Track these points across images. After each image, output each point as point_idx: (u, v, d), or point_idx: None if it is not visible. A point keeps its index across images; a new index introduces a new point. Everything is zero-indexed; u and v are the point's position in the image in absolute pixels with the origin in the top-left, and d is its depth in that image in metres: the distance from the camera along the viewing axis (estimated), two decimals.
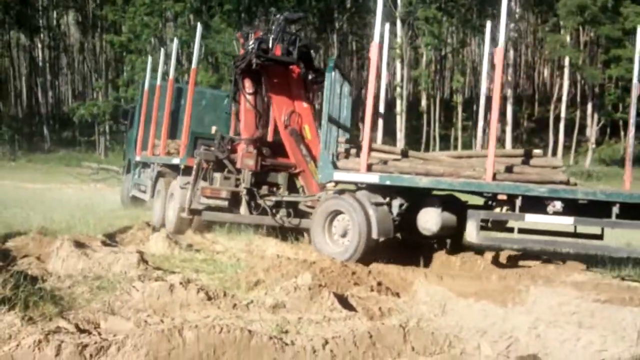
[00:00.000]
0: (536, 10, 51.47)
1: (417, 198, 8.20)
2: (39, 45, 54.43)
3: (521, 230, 8.04)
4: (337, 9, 50.68)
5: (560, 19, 41.41)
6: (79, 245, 7.22)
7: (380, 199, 8.08)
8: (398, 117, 42.50)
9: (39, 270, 6.37)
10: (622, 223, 7.22)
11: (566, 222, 7.46)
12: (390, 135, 47.03)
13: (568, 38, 42.18)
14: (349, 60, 60.72)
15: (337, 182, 8.78)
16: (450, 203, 8.17)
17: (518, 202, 7.37)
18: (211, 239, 10.06)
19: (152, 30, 43.75)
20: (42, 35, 53.84)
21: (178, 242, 8.71)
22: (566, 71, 42.66)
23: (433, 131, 46.79)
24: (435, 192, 8.47)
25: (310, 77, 10.55)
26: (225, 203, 10.01)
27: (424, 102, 47.41)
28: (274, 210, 9.99)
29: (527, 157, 8.26)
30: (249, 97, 10.42)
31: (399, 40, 43.89)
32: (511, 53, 46.24)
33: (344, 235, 8.23)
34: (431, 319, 5.20)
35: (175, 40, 12.78)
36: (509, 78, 45.53)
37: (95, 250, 7.24)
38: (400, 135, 42.61)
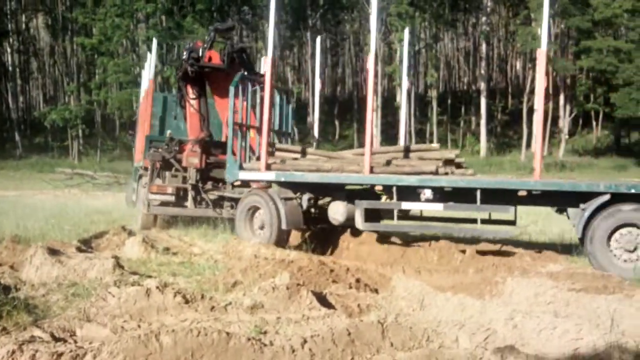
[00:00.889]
0: (508, 3, 51.94)
1: (327, 192, 9.30)
2: (8, 50, 53.54)
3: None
4: (310, 6, 50.62)
5: (531, 12, 41.82)
6: (53, 252, 7.11)
7: (290, 194, 9.18)
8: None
9: (12, 279, 6.26)
10: (485, 207, 8.03)
11: (437, 208, 8.44)
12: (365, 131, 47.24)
13: (539, 31, 42.61)
14: (324, 58, 60.73)
15: (242, 181, 9.94)
16: (359, 196, 8.97)
17: (394, 191, 8.40)
18: (188, 241, 10.00)
19: (124, 31, 43.26)
20: (11, 40, 53.01)
21: (155, 246, 8.64)
22: (538, 63, 43.12)
23: (408, 126, 46.99)
24: (353, 188, 9.40)
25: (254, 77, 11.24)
26: (172, 198, 11.06)
27: (399, 98, 47.56)
28: (216, 204, 10.99)
29: (408, 152, 9.20)
30: (193, 102, 11.45)
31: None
32: (484, 47, 46.68)
33: (261, 227, 9.28)
34: (410, 314, 5.22)
35: (154, 42, 12.79)
36: (482, 72, 45.94)
37: (70, 256, 7.14)
38: (376, 131, 42.73)
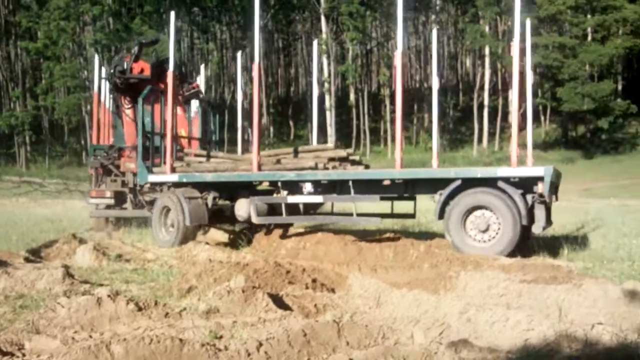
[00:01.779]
0: (456, 1, 52.81)
1: (231, 191, 10.15)
2: None
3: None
4: (261, 7, 50.39)
5: (478, 10, 42.65)
6: (0, 263, 6.88)
7: (195, 194, 9.98)
8: (328, 113, 42.75)
9: None
10: (358, 197, 8.90)
11: (318, 200, 9.38)
12: (321, 130, 47.34)
13: (487, 28, 43.54)
14: (276, 58, 60.66)
15: (151, 184, 10.88)
16: (257, 193, 9.92)
17: (280, 186, 9.47)
18: (142, 247, 9.82)
19: (70, 35, 42.25)
20: None
21: (107, 254, 8.45)
22: (487, 60, 44.04)
23: (363, 125, 47.34)
24: (260, 187, 10.32)
25: (182, 87, 12.37)
26: (112, 201, 11.86)
27: (352, 97, 47.89)
28: (152, 205, 11.23)
29: (296, 153, 9.99)
30: (128, 112, 12.14)
31: (324, 36, 44.13)
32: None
33: (172, 225, 10.01)
34: (366, 312, 5.23)
35: (97, 59, 13.09)
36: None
37: (17, 267, 6.92)
38: (331, 130, 42.90)
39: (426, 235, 9.45)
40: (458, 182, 8.08)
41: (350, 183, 8.78)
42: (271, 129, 49.96)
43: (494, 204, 7.81)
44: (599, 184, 27.69)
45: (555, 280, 5.75)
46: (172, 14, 10.62)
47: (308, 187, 9.23)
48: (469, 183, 8.07)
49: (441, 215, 8.18)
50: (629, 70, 53.97)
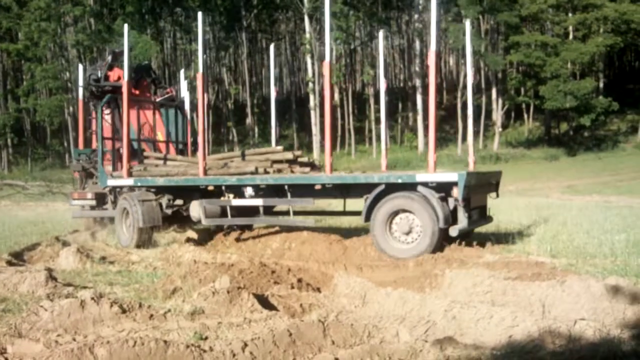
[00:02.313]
0: (438, 0, 53.01)
1: (184, 194, 10.51)
2: None
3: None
4: (244, 6, 50.22)
5: (461, 9, 42.81)
6: None
7: (150, 197, 10.42)
8: (312, 112, 42.73)
9: None
10: (293, 200, 9.36)
11: (259, 203, 9.73)
12: (306, 130, 47.31)
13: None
14: (260, 58, 60.50)
15: (110, 187, 11.37)
16: (207, 196, 10.27)
17: (224, 190, 9.90)
18: (126, 249, 9.76)
19: (51, 36, 41.81)
20: None
21: (90, 256, 8.38)
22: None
23: (347, 124, 47.37)
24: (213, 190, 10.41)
25: (156, 92, 13.24)
26: (94, 202, 12.21)
27: (336, 96, 47.88)
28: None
29: (244, 156, 10.60)
30: (107, 117, 12.47)
31: (307, 35, 44.09)
32: (417, 44, 47.50)
33: (129, 226, 10.41)
34: (352, 311, 5.23)
35: (80, 68, 13.32)
36: (417, 69, 46.75)
37: None
38: (315, 129, 42.87)
39: None
40: (382, 187, 8.43)
41: (286, 187, 9.28)
42: (255, 129, 49.80)
43: (415, 207, 8.15)
44: (582, 181, 27.92)
45: (539, 277, 5.80)
46: (126, 26, 10.92)
47: (249, 190, 9.69)
48: (392, 188, 8.43)
49: (367, 218, 8.51)
50: (610, 68, 54.55)
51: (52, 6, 40.78)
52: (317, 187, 9.07)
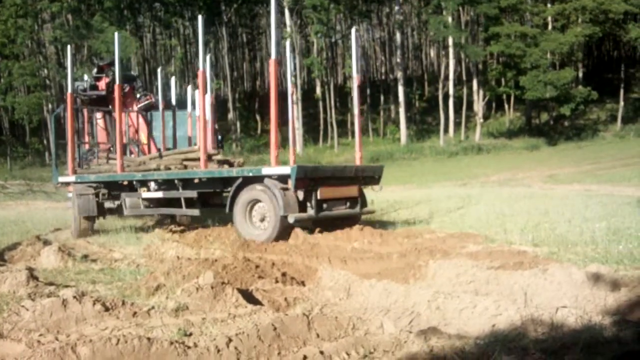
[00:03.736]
0: None
1: (117, 188, 11.76)
2: None
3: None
4: (224, 1, 49.95)
5: (441, 1, 42.92)
6: None
7: (89, 191, 11.66)
8: (294, 106, 42.67)
9: None
10: (184, 192, 10.53)
11: (160, 195, 11.06)
12: (288, 125, 47.18)
13: (450, 19, 43.86)
14: (240, 53, 60.25)
15: (60, 183, 12.92)
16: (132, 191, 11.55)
17: (135, 184, 11.30)
18: (109, 247, 9.67)
19: (28, 32, 41.24)
20: None
21: (72, 254, 8.29)
22: (451, 51, 44.40)
23: (330, 117, 47.38)
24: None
25: (138, 97, 14.26)
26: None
27: (318, 90, 47.85)
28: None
29: (161, 156, 12.10)
30: (99, 121, 13.83)
31: (288, 29, 43.96)
32: (398, 36, 47.56)
33: (74, 217, 11.75)
34: (336, 304, 5.23)
35: (69, 51, 13.26)
36: (398, 60, 46.83)
37: None
38: (298, 124, 42.82)
39: (381, 225, 9.54)
40: (240, 180, 9.55)
41: (176, 181, 10.55)
42: (237, 124, 49.62)
43: (263, 197, 9.23)
44: (563, 170, 28.17)
45: (522, 266, 5.85)
46: (117, 34, 11.83)
47: (152, 184, 11.20)
48: (248, 180, 9.51)
49: (230, 208, 9.61)
50: (589, 57, 55.10)
51: (28, 2, 40.21)
52: (196, 180, 10.37)
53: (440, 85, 46.48)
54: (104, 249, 9.56)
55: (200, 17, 10.81)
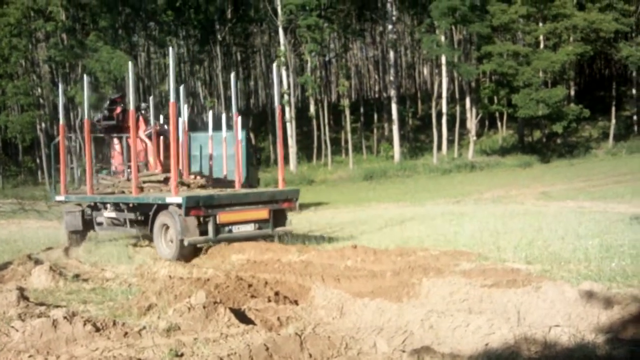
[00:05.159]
0: (412, 12, 53.48)
1: (96, 208, 12.67)
2: None
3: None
4: (219, 20, 50.16)
5: (434, 20, 43.23)
6: None
7: (74, 208, 12.91)
8: (288, 124, 42.72)
9: None
10: (129, 214, 11.52)
11: (115, 216, 11.96)
12: (282, 142, 47.18)
13: (443, 38, 44.19)
14: (235, 71, 60.41)
15: (57, 202, 14.23)
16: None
17: (99, 204, 12.40)
18: (100, 266, 9.61)
19: (22, 52, 41.27)
20: None
21: (63, 274, 8.23)
22: (444, 69, 44.64)
23: (324, 135, 47.45)
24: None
25: (146, 127, 14.63)
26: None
27: (312, 108, 47.97)
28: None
29: (129, 179, 12.63)
30: (116, 146, 14.62)
31: (282, 48, 44.17)
32: (391, 55, 47.85)
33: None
34: (329, 323, 5.21)
35: (60, 89, 14.88)
36: (392, 79, 47.08)
37: None
38: (292, 141, 42.86)
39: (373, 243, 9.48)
40: (155, 206, 10.68)
41: (121, 204, 11.72)
42: None
43: (170, 222, 10.34)
44: (556, 187, 28.21)
45: (515, 284, 5.84)
46: (130, 64, 12.32)
47: (109, 206, 12.13)
48: (161, 207, 10.59)
49: (150, 230, 10.76)
50: (580, 76, 55.51)
51: (23, 22, 40.27)
52: (131, 204, 11.41)
53: (434, 104, 46.67)
54: (95, 268, 9.50)
55: (170, 50, 11.30)
